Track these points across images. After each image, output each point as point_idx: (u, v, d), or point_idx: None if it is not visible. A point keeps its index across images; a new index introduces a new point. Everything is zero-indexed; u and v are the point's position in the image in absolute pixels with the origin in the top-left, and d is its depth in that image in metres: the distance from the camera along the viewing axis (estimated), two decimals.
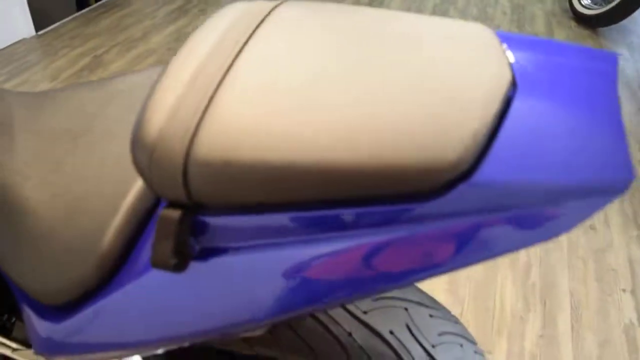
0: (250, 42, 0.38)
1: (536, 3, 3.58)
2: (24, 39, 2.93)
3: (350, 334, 0.61)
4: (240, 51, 0.38)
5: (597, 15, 3.09)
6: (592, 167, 0.31)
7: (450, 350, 0.64)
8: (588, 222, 1.76)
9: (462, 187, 0.31)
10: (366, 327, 0.61)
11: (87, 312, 0.45)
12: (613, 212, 1.81)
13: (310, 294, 0.38)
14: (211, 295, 0.40)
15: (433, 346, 0.63)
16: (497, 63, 0.35)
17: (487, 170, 0.31)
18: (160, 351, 0.46)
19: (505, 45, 0.38)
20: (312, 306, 0.38)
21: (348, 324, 0.61)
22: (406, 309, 0.64)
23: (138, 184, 0.45)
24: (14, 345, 0.78)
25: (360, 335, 0.61)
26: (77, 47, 2.88)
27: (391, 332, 0.61)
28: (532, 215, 0.32)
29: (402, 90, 0.34)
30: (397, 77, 0.35)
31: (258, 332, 0.56)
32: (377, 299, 0.64)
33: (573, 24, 3.28)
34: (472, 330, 1.38)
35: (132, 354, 0.46)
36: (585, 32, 3.19)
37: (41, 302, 0.49)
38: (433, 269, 0.35)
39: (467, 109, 0.32)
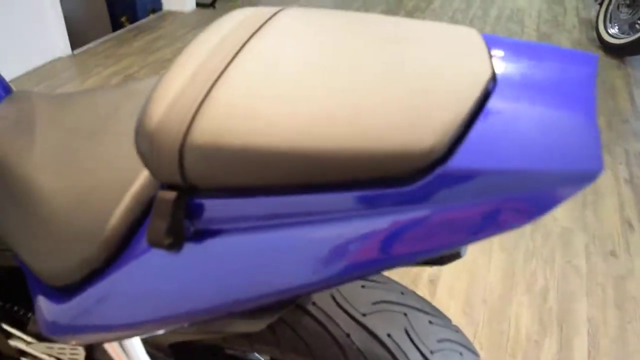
0: (249, 44, 0.42)
1: (563, 32, 3.58)
2: (60, 57, 3.06)
3: (348, 335, 0.61)
4: (238, 51, 0.41)
5: (624, 45, 3.07)
6: (562, 157, 0.32)
7: (449, 357, 0.64)
8: (609, 248, 1.73)
9: (437, 173, 0.33)
10: (364, 330, 0.62)
11: (92, 292, 0.48)
12: (635, 238, 1.78)
13: (299, 275, 0.39)
14: (206, 275, 0.42)
15: (431, 352, 0.63)
16: (479, 60, 0.37)
17: (462, 157, 0.33)
18: (161, 332, 0.48)
19: (490, 46, 0.40)
20: (300, 288, 0.40)
21: (346, 325, 0.62)
22: (405, 314, 0.65)
23: (144, 174, 0.47)
24: (28, 339, 0.81)
25: (358, 337, 0.62)
26: (110, 66, 3.00)
27: (389, 336, 0.62)
28: (505, 202, 0.34)
29: (386, 84, 0.36)
30: (382, 73, 0.37)
31: (257, 328, 0.58)
32: (376, 303, 0.65)
33: (600, 53, 3.27)
34: (485, 352, 1.36)
35: (134, 335, 0.49)
36: (613, 62, 3.17)
37: (50, 285, 0.52)
38: (413, 254, 0.36)
39: (445, 100, 0.34)
